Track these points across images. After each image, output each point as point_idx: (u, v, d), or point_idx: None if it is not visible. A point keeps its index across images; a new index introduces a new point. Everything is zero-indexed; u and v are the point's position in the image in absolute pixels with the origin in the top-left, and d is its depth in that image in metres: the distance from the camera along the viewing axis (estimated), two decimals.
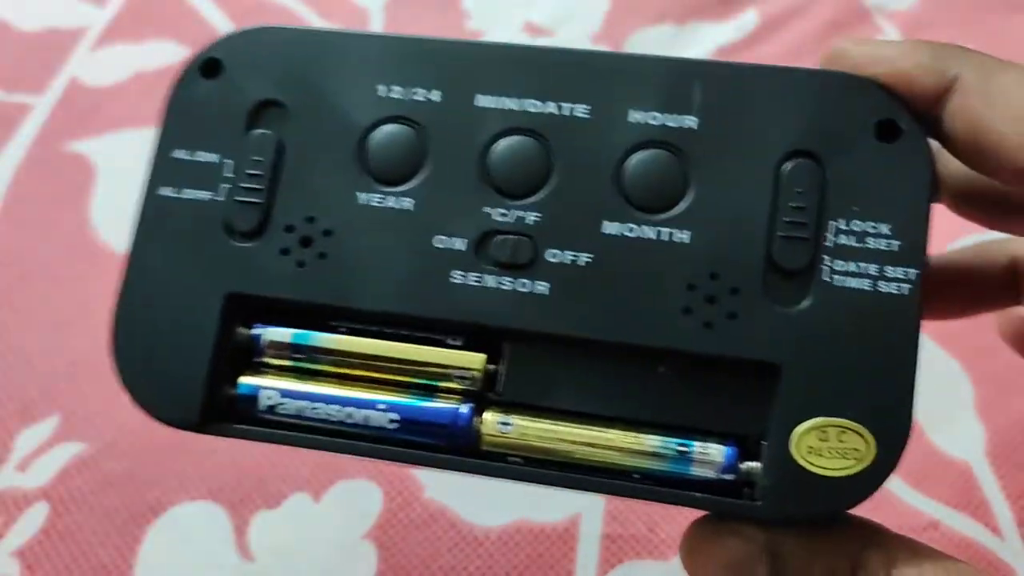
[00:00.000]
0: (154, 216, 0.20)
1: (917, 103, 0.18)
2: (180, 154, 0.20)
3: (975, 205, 0.22)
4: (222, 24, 0.45)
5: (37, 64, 0.44)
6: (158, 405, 0.19)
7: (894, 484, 0.32)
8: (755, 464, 0.18)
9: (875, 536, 0.18)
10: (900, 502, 0.31)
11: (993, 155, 0.17)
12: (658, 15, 0.45)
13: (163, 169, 0.20)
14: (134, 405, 0.19)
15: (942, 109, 0.18)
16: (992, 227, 0.23)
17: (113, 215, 0.39)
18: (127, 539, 0.31)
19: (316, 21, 0.45)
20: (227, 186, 0.19)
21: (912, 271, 0.18)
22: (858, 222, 0.18)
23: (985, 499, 0.32)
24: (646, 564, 0.30)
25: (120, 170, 0.40)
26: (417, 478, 0.32)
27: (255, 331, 0.19)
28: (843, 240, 0.18)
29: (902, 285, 0.18)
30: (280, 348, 0.19)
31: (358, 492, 0.32)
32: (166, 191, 0.20)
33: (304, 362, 0.19)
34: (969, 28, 0.43)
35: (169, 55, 0.44)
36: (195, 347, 0.19)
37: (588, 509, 0.31)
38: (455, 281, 0.19)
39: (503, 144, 0.19)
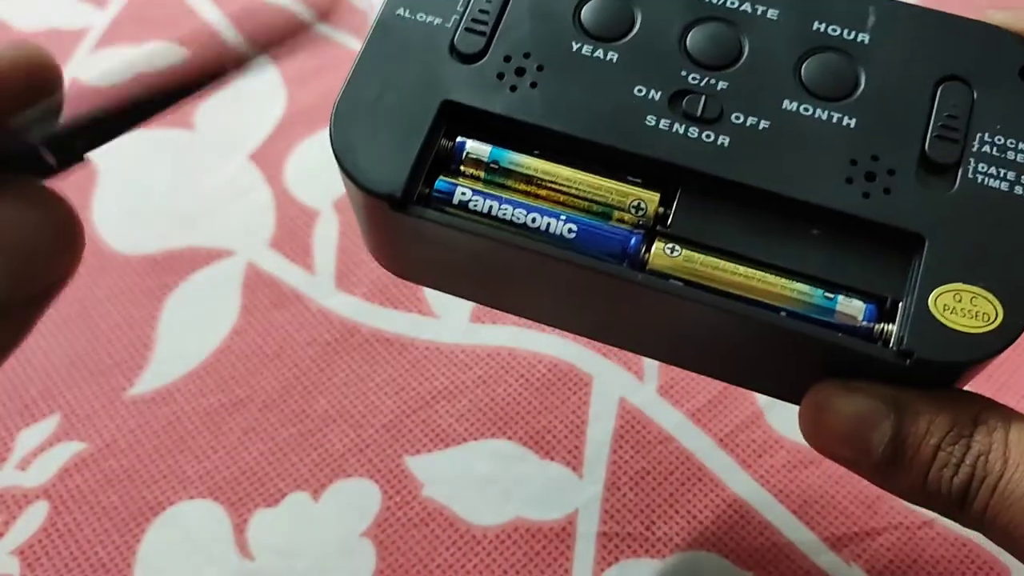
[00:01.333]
0: (388, 28, 0.22)
1: None
2: None
3: None
4: (223, 26, 0.45)
5: None
6: (366, 175, 0.21)
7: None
8: (890, 325, 0.20)
9: (992, 402, 0.20)
10: (896, 500, 0.31)
11: None
12: None
13: None
14: (343, 175, 0.21)
15: None
16: None
17: (115, 216, 0.39)
18: (127, 538, 0.31)
19: (316, 20, 0.45)
20: (456, 16, 0.22)
21: None
22: (1000, 137, 0.21)
23: None
24: (643, 562, 0.30)
25: (122, 171, 0.40)
26: (415, 477, 0.32)
27: (459, 140, 0.22)
28: (986, 149, 0.21)
29: None
30: (478, 161, 0.21)
31: (357, 491, 0.32)
32: (402, 11, 0.23)
33: (497, 176, 0.21)
34: None
35: (169, 56, 0.44)
36: (408, 137, 0.21)
37: (585, 507, 0.31)
38: (649, 124, 0.21)
39: (703, 26, 0.22)
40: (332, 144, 0.21)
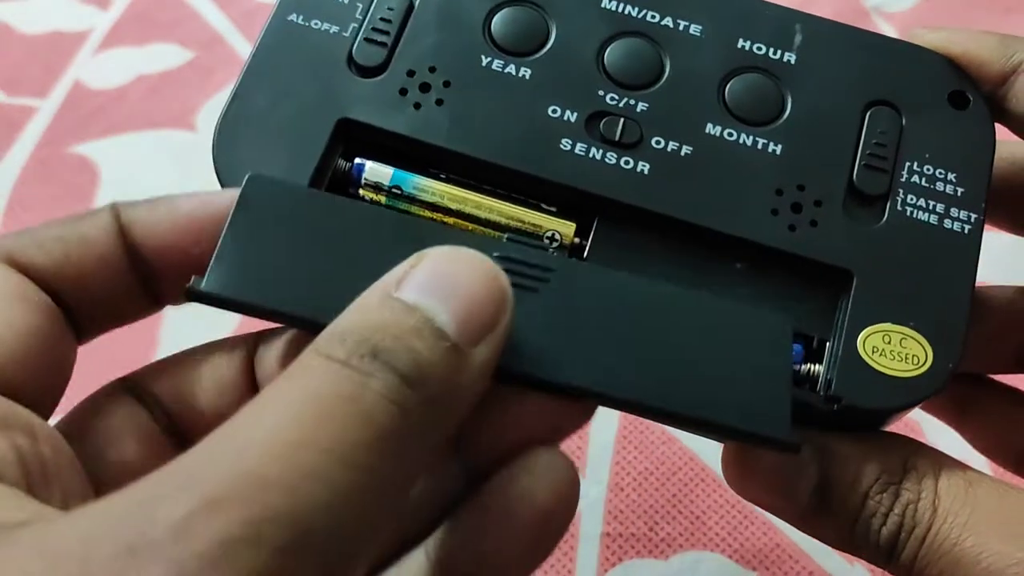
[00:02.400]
0: (278, 37, 0.20)
1: (984, 84, 0.21)
2: None
3: (1003, 209, 0.23)
4: (225, 27, 0.45)
5: (41, 67, 0.44)
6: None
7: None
8: (817, 366, 0.19)
9: (922, 446, 0.19)
10: None
11: None
12: None
13: None
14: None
15: (1007, 91, 0.20)
16: (1009, 229, 0.24)
17: None
18: None
19: None
20: (355, 25, 0.21)
21: (973, 215, 0.20)
22: (929, 167, 0.20)
23: None
24: (646, 563, 0.30)
25: (124, 173, 0.41)
26: None
27: (357, 162, 0.20)
28: (915, 179, 0.20)
29: (965, 225, 0.20)
30: (378, 185, 0.20)
31: None
32: (295, 16, 0.21)
33: (399, 202, 0.20)
34: None
35: (172, 58, 0.44)
36: (300, 158, 0.19)
37: (588, 508, 0.31)
38: (563, 147, 0.20)
39: (622, 42, 0.21)
40: (214, 161, 0.19)
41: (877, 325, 0.19)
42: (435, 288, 0.15)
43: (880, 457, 0.18)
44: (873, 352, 0.19)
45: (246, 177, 0.18)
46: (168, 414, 0.20)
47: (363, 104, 0.20)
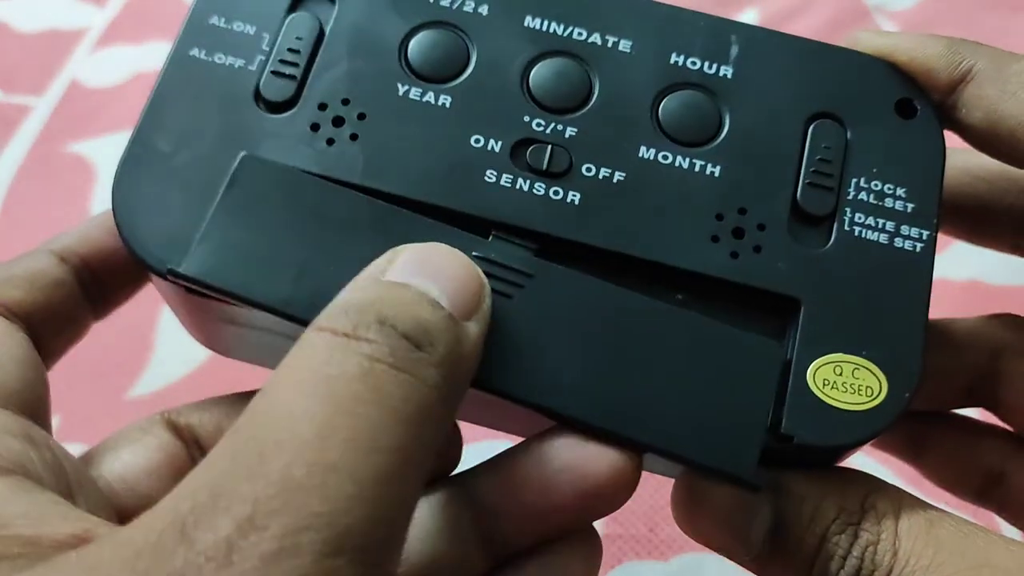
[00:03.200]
0: (179, 74, 0.19)
1: (932, 91, 0.20)
2: (216, 21, 0.20)
3: (958, 220, 0.23)
4: None
5: (37, 65, 0.44)
6: (145, 245, 0.18)
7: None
8: None
9: (881, 483, 0.18)
10: None
11: (1008, 140, 0.18)
12: None
13: (196, 32, 0.20)
14: (127, 250, 0.18)
15: (956, 98, 0.19)
16: (965, 238, 0.24)
17: None
18: None
19: None
20: (262, 58, 0.19)
21: (925, 232, 0.19)
22: (877, 182, 0.19)
23: None
24: (646, 564, 0.30)
25: None
26: None
27: None
28: (863, 196, 0.19)
29: (916, 244, 0.19)
30: None
31: None
32: (196, 51, 0.20)
33: None
34: (969, 28, 0.43)
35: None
36: (201, 202, 0.18)
37: None
38: (488, 180, 0.19)
39: (547, 63, 0.20)
40: (112, 206, 0.18)
41: (827, 356, 0.18)
42: (421, 271, 0.15)
43: (837, 496, 0.17)
44: (824, 385, 0.18)
45: (239, 157, 0.18)
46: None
47: (272, 142, 0.19)
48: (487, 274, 0.17)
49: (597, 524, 0.31)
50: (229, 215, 0.17)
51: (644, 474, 0.17)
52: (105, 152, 0.41)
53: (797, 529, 0.17)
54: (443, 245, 0.16)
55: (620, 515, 0.31)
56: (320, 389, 0.13)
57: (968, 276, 0.37)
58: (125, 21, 0.46)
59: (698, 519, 0.18)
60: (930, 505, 0.18)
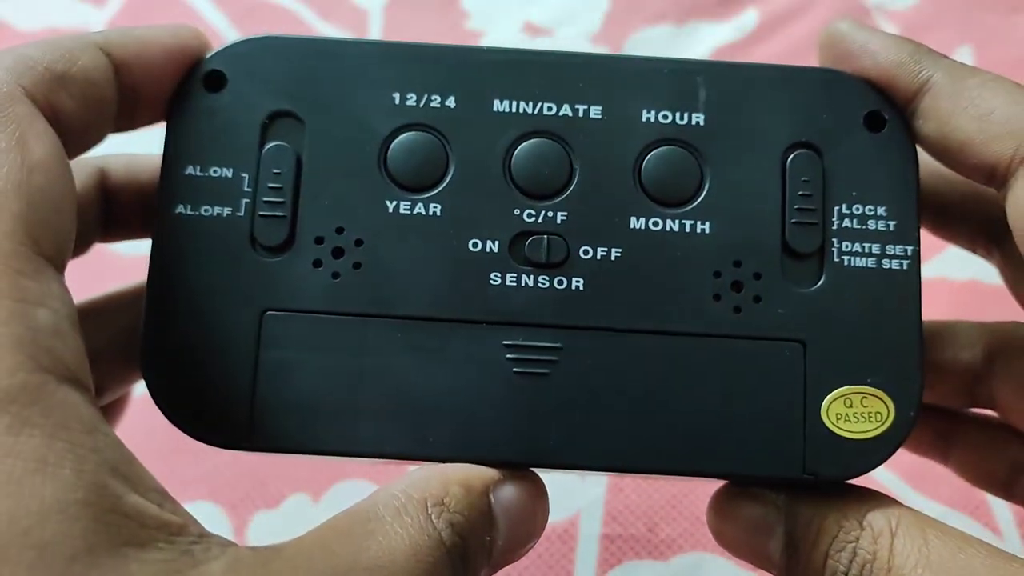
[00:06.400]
0: (173, 236, 0.19)
1: (897, 99, 0.20)
2: (191, 171, 0.19)
3: (937, 221, 0.24)
4: (222, 25, 0.45)
5: None
6: (200, 430, 0.19)
7: (894, 484, 0.32)
8: None
9: (880, 500, 0.19)
10: (901, 502, 0.31)
11: (957, 154, 0.19)
12: (658, 15, 0.45)
13: (175, 187, 0.19)
14: (180, 430, 0.19)
15: (915, 110, 0.20)
16: (935, 233, 0.24)
17: None
18: None
19: (316, 21, 0.45)
20: (247, 200, 0.19)
21: (909, 248, 0.19)
22: (858, 206, 0.20)
23: (984, 499, 0.32)
24: (645, 564, 0.30)
25: None
26: None
27: None
28: (847, 223, 0.19)
29: (903, 261, 0.19)
30: None
31: (357, 492, 0.32)
32: (182, 209, 0.19)
33: None
34: (969, 28, 0.43)
35: None
36: (236, 376, 0.18)
37: (588, 509, 0.31)
38: (494, 283, 0.19)
39: (524, 147, 0.20)
40: (152, 397, 0.19)
41: (837, 391, 0.19)
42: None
43: (838, 513, 0.18)
44: (838, 419, 0.19)
45: (263, 314, 0.19)
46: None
47: (282, 288, 0.19)
48: (519, 360, 0.19)
49: (595, 524, 0.31)
50: (271, 380, 0.19)
51: (642, 476, 0.18)
52: (103, 150, 0.41)
53: (805, 546, 0.18)
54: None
55: (620, 515, 0.31)
56: None
57: (968, 276, 0.36)
58: (124, 21, 0.45)
59: (726, 537, 0.20)
60: (928, 519, 0.18)
